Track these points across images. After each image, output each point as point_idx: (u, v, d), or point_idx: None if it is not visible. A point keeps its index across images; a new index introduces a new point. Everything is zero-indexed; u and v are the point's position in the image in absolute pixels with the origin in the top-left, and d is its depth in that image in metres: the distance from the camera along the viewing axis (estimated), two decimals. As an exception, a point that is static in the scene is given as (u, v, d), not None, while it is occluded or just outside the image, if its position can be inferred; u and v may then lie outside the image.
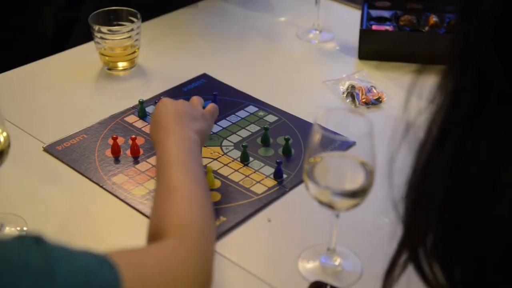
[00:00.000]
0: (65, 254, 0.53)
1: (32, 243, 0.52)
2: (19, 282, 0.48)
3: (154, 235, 0.67)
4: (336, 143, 0.73)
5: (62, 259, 0.52)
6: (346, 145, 0.78)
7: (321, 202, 0.71)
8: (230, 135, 1.03)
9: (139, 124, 1.05)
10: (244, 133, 1.03)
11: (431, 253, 0.50)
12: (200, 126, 0.84)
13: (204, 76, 1.19)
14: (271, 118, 1.07)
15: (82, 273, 0.53)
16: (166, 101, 0.85)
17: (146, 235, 0.70)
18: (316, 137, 0.70)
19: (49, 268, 0.51)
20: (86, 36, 1.21)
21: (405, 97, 0.52)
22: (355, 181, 0.71)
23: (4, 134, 0.78)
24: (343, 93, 1.14)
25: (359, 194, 0.70)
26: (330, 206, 0.71)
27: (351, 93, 1.13)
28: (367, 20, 1.30)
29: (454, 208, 0.48)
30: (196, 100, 0.92)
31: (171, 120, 0.80)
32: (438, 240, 0.50)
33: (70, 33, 1.49)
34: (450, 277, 0.50)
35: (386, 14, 1.31)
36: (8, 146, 0.79)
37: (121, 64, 1.20)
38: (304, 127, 1.04)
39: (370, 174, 0.70)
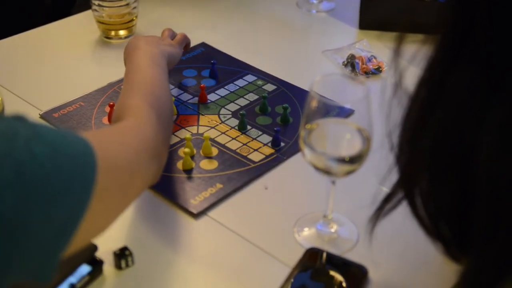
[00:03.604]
0: (45, 125, 0.55)
1: (14, 120, 0.52)
2: (13, 143, 0.49)
3: (115, 121, 0.75)
4: (334, 110, 0.72)
5: (44, 126, 0.54)
6: (344, 113, 0.77)
7: (317, 168, 0.71)
8: (228, 103, 1.02)
9: (137, 92, 1.04)
10: (242, 102, 1.02)
11: (426, 194, 0.51)
12: (168, 50, 0.95)
13: (203, 45, 1.18)
14: (269, 87, 1.06)
15: (64, 135, 0.55)
16: (138, 35, 0.99)
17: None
18: (313, 103, 0.69)
19: (35, 133, 0.52)
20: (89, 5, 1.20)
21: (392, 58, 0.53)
22: (352, 147, 0.70)
23: (-1, 98, 0.78)
24: (343, 62, 1.13)
25: (355, 160, 0.70)
26: (326, 172, 0.71)
27: (351, 63, 1.12)
28: (368, -11, 1.28)
29: (444, 151, 0.49)
30: (167, 32, 1.04)
31: (142, 42, 0.92)
32: (431, 183, 0.50)
33: (73, 2, 1.48)
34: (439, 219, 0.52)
35: (388, -17, 1.30)
36: (2, 111, 0.78)
37: (119, 33, 1.18)
38: (303, 96, 1.03)
39: (367, 140, 0.70)
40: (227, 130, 0.96)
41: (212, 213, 0.82)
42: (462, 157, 0.48)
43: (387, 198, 0.56)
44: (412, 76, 0.53)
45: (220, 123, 0.98)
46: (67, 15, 1.32)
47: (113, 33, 1.18)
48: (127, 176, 0.63)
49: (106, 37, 1.19)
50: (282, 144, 0.93)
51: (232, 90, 1.05)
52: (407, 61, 0.53)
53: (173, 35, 1.04)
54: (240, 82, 1.07)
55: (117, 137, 0.67)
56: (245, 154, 0.91)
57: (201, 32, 1.22)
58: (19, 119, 0.52)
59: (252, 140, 0.94)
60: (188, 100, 1.03)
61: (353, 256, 0.75)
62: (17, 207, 0.47)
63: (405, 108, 0.52)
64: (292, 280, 0.71)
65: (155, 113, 0.75)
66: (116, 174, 0.60)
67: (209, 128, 0.96)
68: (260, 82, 1.07)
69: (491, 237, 0.47)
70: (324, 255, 0.74)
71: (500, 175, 0.45)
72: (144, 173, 0.68)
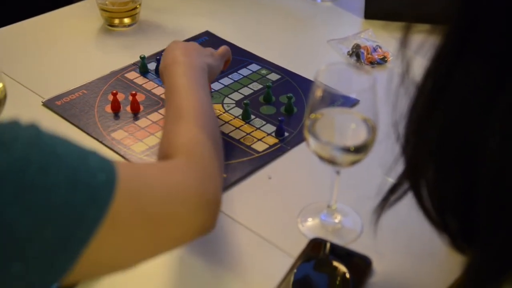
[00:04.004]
0: (60, 137, 0.52)
1: (14, 123, 0.50)
2: (11, 147, 0.47)
3: (162, 159, 0.68)
4: (339, 100, 0.71)
5: (59, 138, 0.51)
6: (349, 103, 0.76)
7: (322, 158, 0.70)
8: (232, 93, 1.01)
9: (140, 80, 1.04)
10: (246, 91, 1.02)
11: (432, 185, 0.50)
12: (208, 61, 0.86)
13: (207, 33, 1.18)
14: (274, 76, 1.06)
15: (76, 148, 0.51)
16: (177, 41, 0.88)
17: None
18: (318, 93, 0.68)
19: (36, 138, 0.49)
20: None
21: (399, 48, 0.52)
22: (357, 136, 0.70)
23: (0, 85, 0.77)
24: (348, 52, 1.12)
25: (360, 149, 0.69)
26: (330, 161, 0.70)
27: (356, 52, 1.11)
28: (374, -22, 1.27)
29: (450, 143, 0.48)
30: (210, 49, 0.93)
31: (180, 52, 0.83)
32: (437, 174, 0.50)
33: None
34: (444, 210, 0.51)
35: (393, -28, 1.28)
36: (5, 97, 0.78)
37: (123, 20, 1.18)
38: (307, 85, 1.02)
39: (372, 130, 0.69)
40: (231, 120, 0.95)
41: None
42: (468, 149, 0.48)
43: (393, 189, 0.55)
44: (418, 66, 0.52)
45: (223, 113, 0.97)
46: (70, 3, 1.31)
47: (117, 21, 1.18)
48: (156, 217, 0.57)
49: (109, 25, 1.18)
50: (286, 134, 0.92)
51: (236, 79, 1.04)
52: (413, 52, 0.53)
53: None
54: (244, 71, 1.07)
55: (156, 171, 0.60)
56: (248, 144, 0.91)
57: (205, 20, 1.22)
58: (32, 125, 0.50)
59: (256, 130, 0.93)
60: (192, 89, 1.02)
61: (357, 246, 0.74)
62: (14, 212, 0.46)
63: (411, 99, 0.52)
64: (295, 270, 0.70)
65: (211, 141, 0.69)
66: (140, 207, 0.55)
67: (213, 117, 0.96)
68: (264, 72, 1.07)
69: (494, 232, 0.47)
70: (328, 245, 0.73)
71: (504, 172, 0.45)
72: (184, 221, 0.60)
